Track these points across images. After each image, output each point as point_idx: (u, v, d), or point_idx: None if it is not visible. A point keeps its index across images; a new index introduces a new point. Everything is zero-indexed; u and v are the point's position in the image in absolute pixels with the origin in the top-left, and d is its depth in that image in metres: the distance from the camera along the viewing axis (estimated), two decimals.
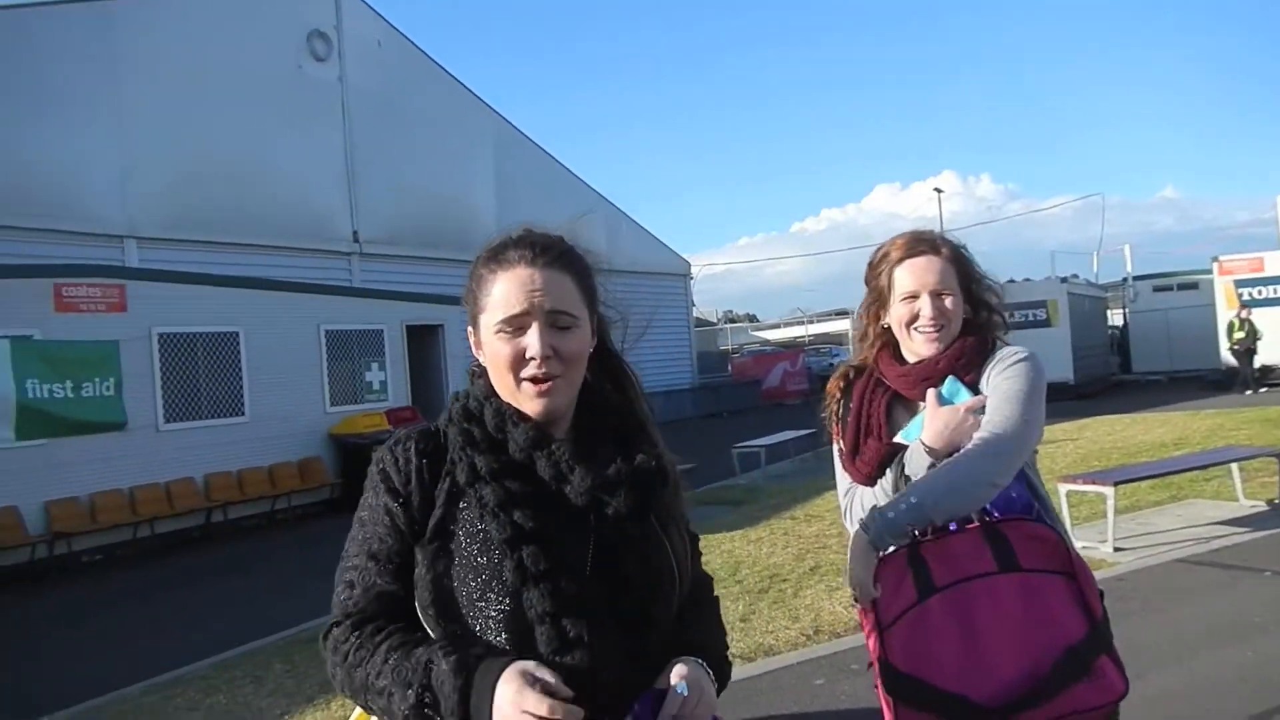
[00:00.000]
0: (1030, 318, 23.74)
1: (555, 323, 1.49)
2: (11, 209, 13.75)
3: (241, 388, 13.15)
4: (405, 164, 20.15)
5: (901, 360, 2.18)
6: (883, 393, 2.18)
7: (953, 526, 1.96)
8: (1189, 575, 6.15)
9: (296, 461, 13.67)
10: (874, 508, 1.96)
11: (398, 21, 21.12)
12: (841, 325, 52.78)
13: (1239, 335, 20.87)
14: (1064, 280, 25.29)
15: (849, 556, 1.94)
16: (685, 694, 1.39)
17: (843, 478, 2.24)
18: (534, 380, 1.47)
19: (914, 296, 2.11)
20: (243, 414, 13.17)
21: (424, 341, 16.29)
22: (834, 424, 2.27)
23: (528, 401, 1.48)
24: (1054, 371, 23.49)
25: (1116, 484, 7.23)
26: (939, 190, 46.54)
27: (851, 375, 2.28)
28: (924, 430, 2.02)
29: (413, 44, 21.39)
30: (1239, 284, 22.50)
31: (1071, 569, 1.85)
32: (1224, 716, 3.84)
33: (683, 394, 26.91)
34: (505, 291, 1.49)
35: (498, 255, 1.55)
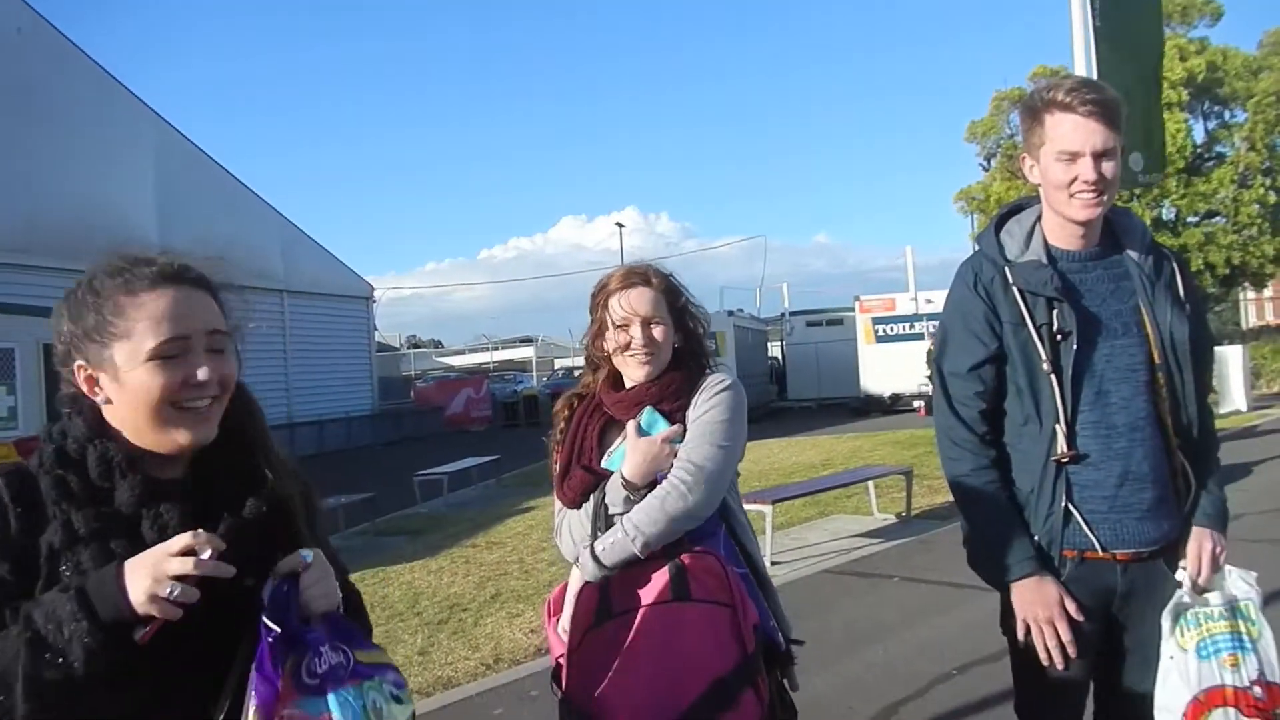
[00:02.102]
0: None
1: (212, 345, 1.38)
2: None
3: None
4: (46, 165, 17.78)
5: (621, 386, 2.28)
6: (599, 418, 2.27)
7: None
8: (834, 584, 6.79)
9: None
10: (589, 548, 2.06)
11: (48, 12, 18.80)
12: (527, 352, 53.39)
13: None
14: (731, 314, 27.29)
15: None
16: (310, 559, 1.37)
17: (557, 499, 2.30)
18: (194, 408, 1.35)
19: (627, 325, 2.22)
20: None
21: None
22: (554, 448, 2.33)
23: (183, 433, 1.35)
24: None
25: (774, 502, 7.83)
26: (620, 225, 48.58)
27: (575, 403, 2.36)
28: (624, 463, 2.12)
29: (63, 35, 19.04)
30: (875, 320, 25.44)
31: (732, 601, 1.97)
32: (863, 711, 4.25)
33: (363, 420, 26.00)
34: (159, 313, 1.35)
35: (134, 275, 1.39)
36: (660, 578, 2.00)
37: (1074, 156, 2.08)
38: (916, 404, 23.17)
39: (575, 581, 2.15)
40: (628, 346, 2.23)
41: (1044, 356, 2.12)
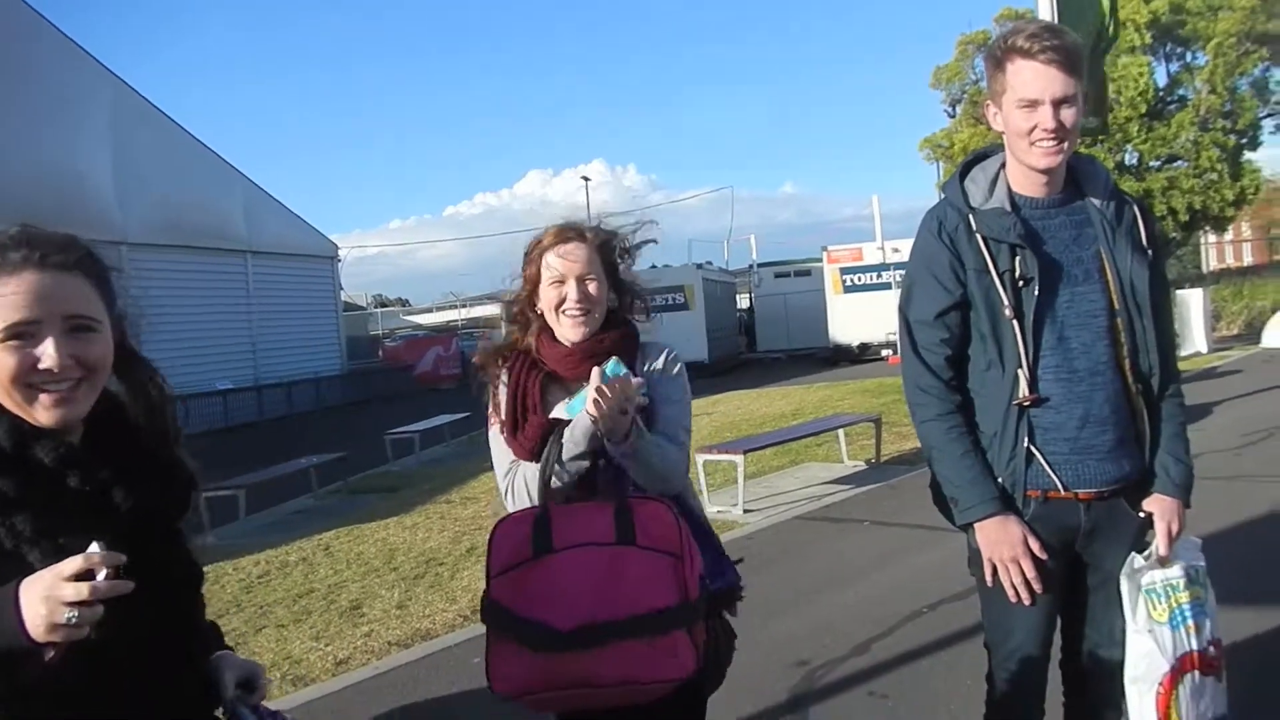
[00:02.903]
0: (669, 301, 25.35)
1: (74, 327, 1.39)
2: None
3: None
4: None
5: (560, 343, 2.26)
6: (538, 373, 2.24)
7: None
8: (806, 530, 6.91)
9: None
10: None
11: None
12: (496, 309, 53.01)
13: None
14: (699, 267, 27.29)
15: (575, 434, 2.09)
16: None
17: (503, 457, 2.27)
18: (52, 390, 1.37)
19: (561, 281, 2.20)
20: None
21: None
22: (492, 405, 2.30)
23: (43, 412, 1.37)
24: (690, 352, 24.96)
25: (745, 452, 7.94)
26: (586, 179, 48.30)
27: (504, 358, 2.31)
28: (589, 404, 2.09)
29: None
30: (843, 271, 25.53)
31: (680, 553, 1.98)
32: (836, 650, 4.35)
33: (331, 380, 25.85)
34: (11, 297, 1.35)
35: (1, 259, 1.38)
36: (605, 519, 2.01)
37: (1033, 104, 2.10)
38: (885, 353, 23.39)
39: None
40: (562, 303, 2.21)
41: (1006, 302, 2.16)
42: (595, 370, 2.11)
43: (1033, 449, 2.17)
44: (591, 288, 2.22)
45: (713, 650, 2.13)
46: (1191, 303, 19.02)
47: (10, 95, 17.54)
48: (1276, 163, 31.34)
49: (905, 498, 7.35)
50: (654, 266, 26.43)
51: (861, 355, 24.73)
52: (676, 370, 2.31)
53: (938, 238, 2.25)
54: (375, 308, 50.68)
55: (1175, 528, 2.21)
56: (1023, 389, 2.15)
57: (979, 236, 2.20)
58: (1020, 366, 2.15)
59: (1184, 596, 2.17)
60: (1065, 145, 2.13)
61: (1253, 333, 20.63)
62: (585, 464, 2.10)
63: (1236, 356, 17.02)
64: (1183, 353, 16.89)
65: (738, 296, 33.75)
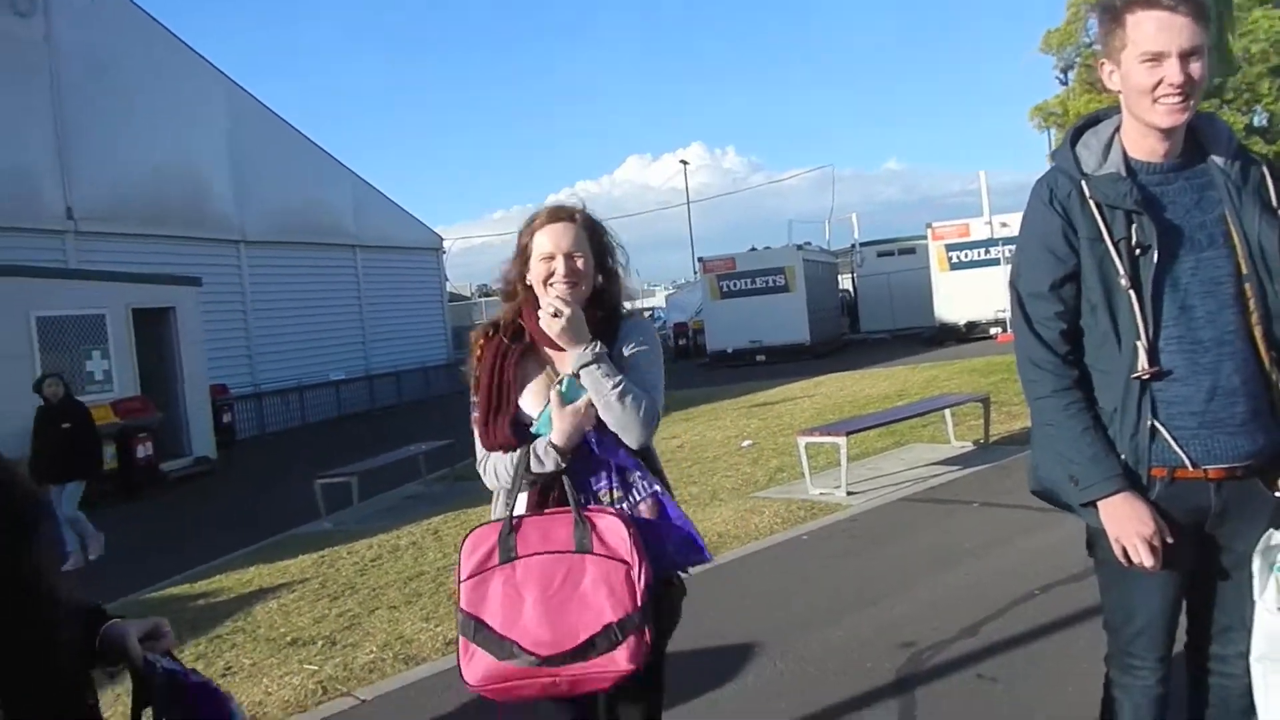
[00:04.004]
0: (770, 284, 25.14)
1: None
2: None
3: None
4: (125, 133, 18.24)
5: None
6: (515, 354, 2.35)
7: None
8: (911, 511, 6.78)
9: None
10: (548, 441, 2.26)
11: None
12: None
13: None
14: (799, 247, 26.93)
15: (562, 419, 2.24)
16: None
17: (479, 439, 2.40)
18: None
19: (551, 257, 2.33)
20: None
21: (153, 326, 14.97)
22: (473, 385, 2.42)
23: None
24: (792, 333, 24.78)
25: (848, 434, 7.82)
26: (684, 162, 48.21)
27: (491, 333, 2.43)
28: (553, 431, 2.24)
29: (133, 3, 19.34)
30: (949, 248, 24.84)
31: (632, 561, 2.14)
32: (944, 632, 4.26)
33: (438, 370, 26.43)
34: None
35: None
36: (565, 529, 2.18)
37: (1158, 57, 1.98)
38: (994, 331, 22.72)
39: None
40: (550, 276, 2.32)
41: (1121, 272, 2.06)
42: (553, 394, 2.26)
43: (1156, 424, 2.06)
44: (579, 263, 2.34)
45: (667, 602, 2.32)
46: None
47: (129, 99, 18.39)
48: None
49: (1015, 478, 7.11)
50: (754, 249, 26.29)
51: (969, 334, 24.03)
52: (652, 341, 2.43)
53: (1049, 206, 2.16)
54: (480, 298, 51.62)
55: None
56: (1142, 362, 2.05)
57: (1092, 203, 2.10)
58: (1139, 338, 2.05)
59: None
60: (1191, 102, 2.01)
61: None
62: (551, 470, 2.25)
63: None
64: None
65: (840, 277, 33.21)
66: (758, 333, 24.80)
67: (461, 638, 2.21)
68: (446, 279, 31.22)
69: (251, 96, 22.30)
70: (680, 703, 3.85)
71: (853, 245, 32.16)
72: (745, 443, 10.66)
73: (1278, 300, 2.06)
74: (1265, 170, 2.15)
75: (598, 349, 2.27)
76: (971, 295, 23.62)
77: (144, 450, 13.33)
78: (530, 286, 2.38)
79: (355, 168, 25.58)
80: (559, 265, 2.31)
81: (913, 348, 23.43)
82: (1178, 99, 1.99)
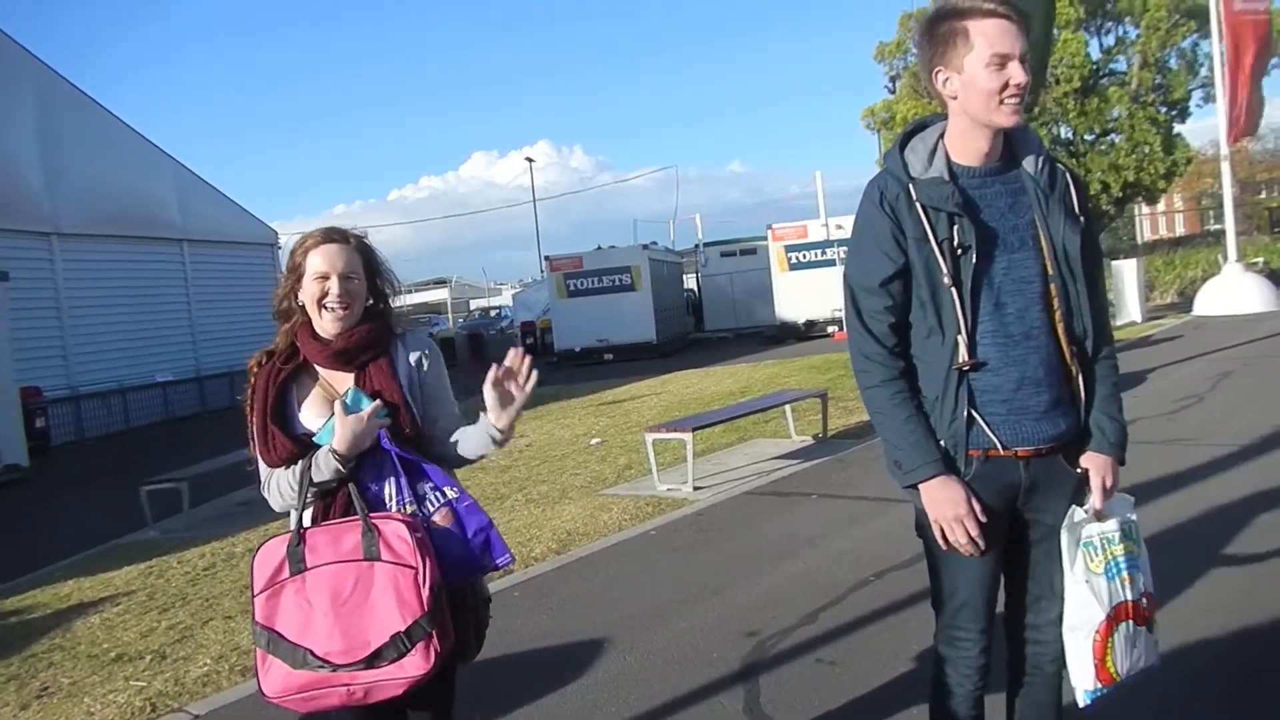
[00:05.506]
0: (617, 283, 25.32)
1: None
2: None
3: None
4: None
5: (318, 339, 2.42)
6: (286, 372, 2.42)
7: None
8: (754, 504, 6.97)
9: None
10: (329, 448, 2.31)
11: None
12: (441, 294, 52.59)
13: None
14: (645, 247, 27.23)
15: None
16: None
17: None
18: None
19: (325, 277, 2.38)
20: None
21: None
22: (247, 408, 2.44)
23: None
24: (638, 332, 24.98)
25: (694, 430, 7.96)
26: (530, 160, 47.94)
27: (264, 360, 2.48)
28: (335, 438, 2.28)
29: None
30: (788, 249, 25.65)
31: (416, 564, 2.20)
32: (786, 620, 4.41)
33: None
34: None
35: None
36: (353, 538, 2.23)
37: (1004, 60, 2.14)
38: (830, 330, 23.61)
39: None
40: (324, 296, 2.38)
41: (945, 270, 2.20)
42: (336, 404, 2.31)
43: (973, 411, 2.22)
44: (352, 286, 2.40)
45: (473, 620, 2.43)
46: (1126, 273, 19.47)
47: None
48: (1204, 134, 32.17)
49: (852, 471, 7.46)
50: (601, 248, 26.43)
51: (808, 332, 24.91)
52: (438, 356, 2.54)
53: (879, 207, 2.28)
54: None
55: (1110, 483, 2.28)
56: (962, 354, 2.20)
57: (919, 205, 2.23)
58: (959, 332, 2.20)
59: (1119, 550, 2.25)
60: (1023, 104, 2.18)
61: (1185, 301, 21.19)
62: (331, 477, 2.30)
63: (1169, 325, 17.46)
64: (1118, 322, 17.31)
65: (685, 276, 33.80)
66: (605, 331, 24.98)
67: (259, 651, 2.25)
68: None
69: (64, 79, 20.78)
70: (529, 700, 3.85)
71: (697, 245, 32.75)
72: (594, 440, 10.72)
73: (1079, 299, 2.25)
74: (1070, 178, 2.33)
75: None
76: (810, 295, 24.47)
77: None
78: (304, 306, 2.42)
79: (186, 160, 24.27)
80: (333, 285, 2.37)
81: (755, 346, 24.10)
82: (1018, 100, 2.16)
